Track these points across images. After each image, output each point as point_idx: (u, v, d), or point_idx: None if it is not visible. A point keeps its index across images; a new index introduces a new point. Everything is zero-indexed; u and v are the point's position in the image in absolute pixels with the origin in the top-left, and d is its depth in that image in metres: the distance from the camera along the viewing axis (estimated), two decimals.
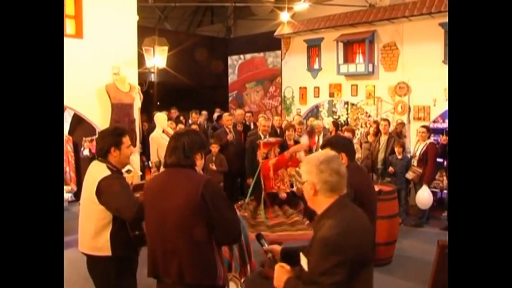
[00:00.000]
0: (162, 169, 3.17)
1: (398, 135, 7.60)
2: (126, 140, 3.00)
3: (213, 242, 2.36)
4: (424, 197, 6.52)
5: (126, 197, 2.77)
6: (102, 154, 2.94)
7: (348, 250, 1.79)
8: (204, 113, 9.78)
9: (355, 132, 7.44)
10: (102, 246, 2.83)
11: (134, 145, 5.95)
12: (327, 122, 10.87)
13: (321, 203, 1.99)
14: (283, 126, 8.13)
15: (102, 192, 2.77)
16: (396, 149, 7.04)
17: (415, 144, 7.39)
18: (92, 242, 2.86)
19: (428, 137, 7.00)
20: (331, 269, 1.78)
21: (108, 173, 2.85)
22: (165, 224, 2.32)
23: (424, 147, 6.87)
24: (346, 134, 7.13)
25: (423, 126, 7.15)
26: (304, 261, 1.98)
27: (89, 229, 2.86)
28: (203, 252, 2.32)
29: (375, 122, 8.34)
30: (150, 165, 4.22)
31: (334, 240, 1.81)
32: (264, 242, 2.55)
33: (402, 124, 7.84)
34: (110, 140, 2.94)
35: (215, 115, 9.56)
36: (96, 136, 3.36)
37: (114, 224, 2.84)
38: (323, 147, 3.17)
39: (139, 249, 3.00)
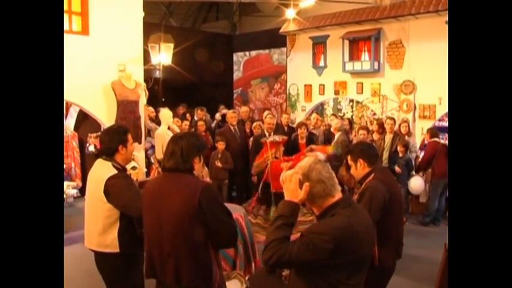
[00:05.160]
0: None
1: (407, 134, 7.57)
2: (130, 137, 3.08)
3: (210, 246, 2.38)
4: (415, 184, 6.97)
5: (133, 194, 2.82)
6: (110, 153, 2.99)
7: (340, 243, 1.85)
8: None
9: (369, 130, 7.43)
10: (111, 243, 2.90)
11: (140, 142, 5.97)
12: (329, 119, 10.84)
13: (318, 206, 2.06)
14: (290, 124, 8.12)
15: (110, 191, 2.83)
16: (399, 148, 7.02)
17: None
18: (100, 239, 2.92)
19: (431, 137, 7.05)
20: (322, 235, 1.86)
21: (114, 171, 2.90)
22: (163, 227, 2.35)
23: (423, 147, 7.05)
24: (361, 132, 7.12)
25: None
26: None
27: (97, 227, 2.92)
28: (199, 256, 2.34)
29: (377, 120, 8.30)
30: (152, 160, 4.21)
31: (334, 234, 1.86)
32: None
33: (407, 123, 7.85)
34: (118, 139, 2.99)
35: (217, 115, 9.52)
36: (100, 134, 3.39)
37: (121, 221, 2.90)
38: (346, 154, 3.34)
39: None
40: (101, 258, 3.00)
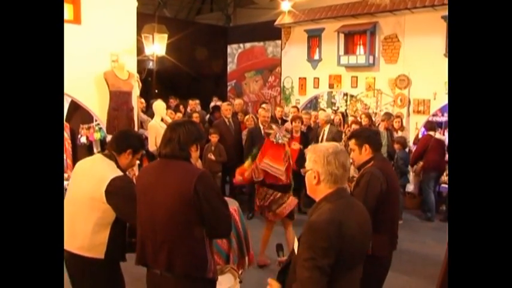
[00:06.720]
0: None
1: (400, 129, 7.58)
2: (141, 153, 2.98)
3: (205, 235, 2.34)
4: None
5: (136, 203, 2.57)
6: (118, 150, 2.78)
7: (334, 239, 1.79)
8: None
9: (361, 123, 7.40)
10: (96, 248, 2.65)
11: None
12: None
13: (321, 192, 2.02)
14: (284, 117, 8.05)
15: (115, 193, 2.59)
16: (395, 146, 7.02)
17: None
18: (86, 242, 2.64)
19: (427, 130, 7.10)
20: (315, 254, 1.79)
21: (120, 173, 2.69)
22: (156, 213, 2.30)
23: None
24: (354, 127, 7.11)
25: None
26: (296, 246, 2.00)
27: (86, 227, 2.64)
28: (193, 244, 2.30)
29: (365, 113, 8.27)
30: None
31: (320, 226, 1.83)
32: (281, 253, 2.59)
33: (400, 117, 7.85)
34: (134, 143, 2.83)
35: (212, 104, 9.46)
36: (105, 129, 3.31)
37: (113, 228, 2.67)
38: (349, 138, 3.27)
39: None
40: (78, 262, 2.68)
